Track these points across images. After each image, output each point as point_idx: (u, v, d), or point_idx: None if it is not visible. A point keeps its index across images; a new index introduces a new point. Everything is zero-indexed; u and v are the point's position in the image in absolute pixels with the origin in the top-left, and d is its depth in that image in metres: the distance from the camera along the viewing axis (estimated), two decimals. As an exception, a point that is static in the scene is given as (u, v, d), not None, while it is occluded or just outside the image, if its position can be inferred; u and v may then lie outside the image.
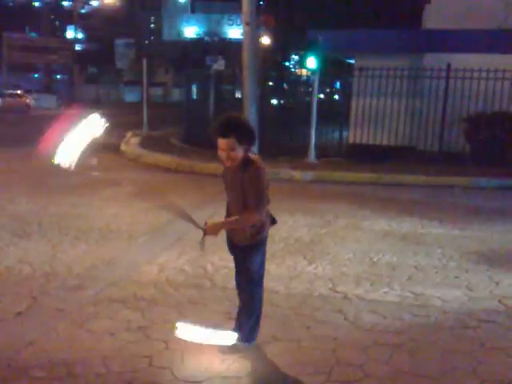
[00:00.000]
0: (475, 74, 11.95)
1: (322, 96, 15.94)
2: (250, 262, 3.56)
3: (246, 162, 3.31)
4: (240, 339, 3.63)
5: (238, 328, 3.66)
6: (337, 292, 4.76)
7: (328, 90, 16.82)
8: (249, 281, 3.60)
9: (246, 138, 3.28)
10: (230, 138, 3.24)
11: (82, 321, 4.05)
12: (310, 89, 12.99)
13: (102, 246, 5.94)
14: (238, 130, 3.26)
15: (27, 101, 33.10)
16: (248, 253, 3.55)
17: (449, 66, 12.25)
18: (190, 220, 3.47)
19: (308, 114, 12.13)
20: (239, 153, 3.28)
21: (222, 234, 3.59)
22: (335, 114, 13.84)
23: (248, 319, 3.65)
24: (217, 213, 6.94)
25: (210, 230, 3.42)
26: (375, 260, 5.69)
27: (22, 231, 6.41)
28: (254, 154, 3.43)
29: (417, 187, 10.09)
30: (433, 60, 12.71)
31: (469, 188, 10.09)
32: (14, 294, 4.54)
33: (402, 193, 9.59)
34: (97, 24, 51.71)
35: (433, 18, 14.31)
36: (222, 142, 3.27)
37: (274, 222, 3.66)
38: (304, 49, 12.45)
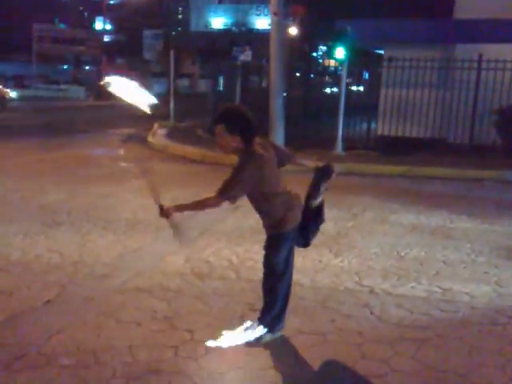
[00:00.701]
0: (508, 65, 11.67)
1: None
2: (270, 252, 3.56)
3: (244, 153, 3.34)
4: (262, 328, 3.65)
5: (260, 317, 3.68)
6: (363, 286, 4.72)
7: (349, 81, 16.50)
8: (269, 272, 3.60)
9: (237, 127, 3.30)
10: (219, 126, 3.33)
11: (109, 310, 4.10)
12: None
13: (129, 237, 6.00)
14: (226, 119, 3.34)
15: (5, 94, 26.51)
16: (270, 243, 3.57)
17: (480, 56, 12.00)
18: (157, 200, 3.47)
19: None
20: (230, 142, 3.33)
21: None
22: (363, 106, 13.69)
23: (268, 310, 3.65)
24: (244, 204, 6.95)
25: (162, 212, 3.43)
26: (402, 254, 5.63)
27: (51, 221, 6.51)
28: (261, 147, 3.39)
29: (446, 180, 9.93)
30: (464, 50, 12.45)
31: (499, 181, 9.89)
32: (43, 282, 4.62)
33: (431, 186, 9.46)
34: (125, 15, 52.03)
35: (464, 8, 13.99)
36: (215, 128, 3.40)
37: (319, 220, 3.62)
38: (332, 39, 12.31)
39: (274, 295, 3.63)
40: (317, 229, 3.69)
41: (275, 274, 3.58)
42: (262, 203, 3.48)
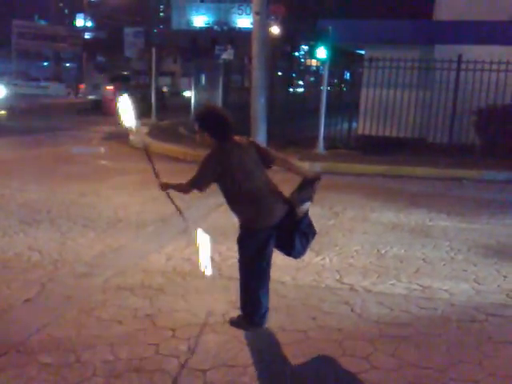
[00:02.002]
0: (486, 66, 11.83)
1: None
2: (240, 246, 3.70)
3: (212, 148, 3.63)
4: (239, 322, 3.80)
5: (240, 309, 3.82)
6: (344, 283, 4.76)
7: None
8: (240, 265, 3.73)
9: (207, 126, 3.59)
10: (195, 123, 3.67)
11: (90, 308, 4.08)
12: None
13: (110, 235, 5.97)
14: (200, 118, 3.66)
15: None
16: (240, 236, 3.69)
17: (460, 57, 12.13)
18: (156, 173, 3.90)
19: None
20: (203, 137, 3.63)
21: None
22: (344, 105, 13.76)
23: (243, 304, 3.77)
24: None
25: (160, 186, 3.83)
26: (383, 252, 5.68)
27: (31, 219, 6.44)
28: (237, 146, 3.60)
29: (426, 179, 10.04)
30: (444, 51, 12.57)
31: (478, 181, 10.03)
32: (23, 280, 4.58)
33: (411, 185, 9.56)
34: (106, 12, 51.60)
35: (444, 9, 14.16)
36: None
37: (306, 231, 3.68)
38: (314, 39, 12.34)
39: (245, 288, 3.73)
40: (306, 241, 3.74)
41: (244, 267, 3.71)
42: (228, 199, 3.67)
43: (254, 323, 3.76)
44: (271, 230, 3.58)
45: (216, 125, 3.57)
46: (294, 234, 3.65)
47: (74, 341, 3.58)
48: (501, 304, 4.44)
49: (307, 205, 3.59)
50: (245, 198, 3.57)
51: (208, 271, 3.86)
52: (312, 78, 16.78)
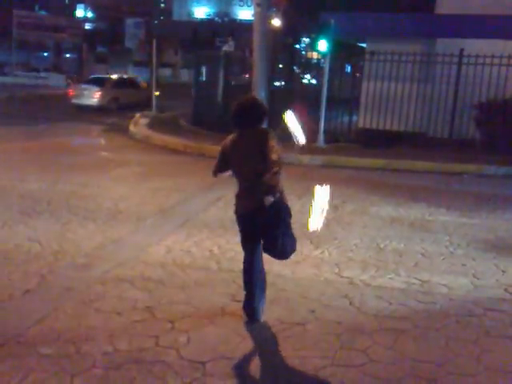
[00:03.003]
0: (487, 60, 11.80)
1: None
2: None
3: None
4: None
5: None
6: (343, 277, 4.77)
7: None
8: None
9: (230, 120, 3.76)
10: None
11: (89, 300, 4.10)
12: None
13: (110, 226, 5.97)
14: None
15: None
16: None
17: (461, 51, 12.10)
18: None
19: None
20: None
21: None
22: (345, 99, 13.72)
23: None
24: (226, 195, 6.95)
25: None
26: (382, 246, 5.69)
27: (31, 210, 6.45)
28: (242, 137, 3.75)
29: (426, 173, 10.04)
30: (445, 45, 12.54)
31: (478, 175, 10.03)
32: (23, 271, 4.59)
33: (411, 179, 9.56)
34: (107, 3, 51.34)
35: (446, 3, 14.09)
36: None
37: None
38: (315, 31, 12.31)
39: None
40: (277, 239, 3.70)
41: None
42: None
43: (246, 314, 3.81)
44: (251, 218, 3.66)
45: (232, 119, 3.74)
46: (261, 230, 3.70)
47: (73, 332, 3.60)
48: (499, 298, 4.46)
49: (269, 198, 3.50)
50: (239, 185, 3.79)
51: (301, 140, 4.33)
52: (298, 70, 16.58)
